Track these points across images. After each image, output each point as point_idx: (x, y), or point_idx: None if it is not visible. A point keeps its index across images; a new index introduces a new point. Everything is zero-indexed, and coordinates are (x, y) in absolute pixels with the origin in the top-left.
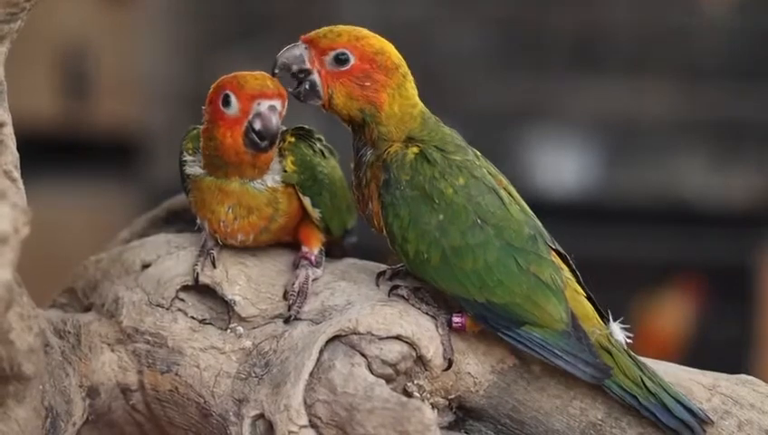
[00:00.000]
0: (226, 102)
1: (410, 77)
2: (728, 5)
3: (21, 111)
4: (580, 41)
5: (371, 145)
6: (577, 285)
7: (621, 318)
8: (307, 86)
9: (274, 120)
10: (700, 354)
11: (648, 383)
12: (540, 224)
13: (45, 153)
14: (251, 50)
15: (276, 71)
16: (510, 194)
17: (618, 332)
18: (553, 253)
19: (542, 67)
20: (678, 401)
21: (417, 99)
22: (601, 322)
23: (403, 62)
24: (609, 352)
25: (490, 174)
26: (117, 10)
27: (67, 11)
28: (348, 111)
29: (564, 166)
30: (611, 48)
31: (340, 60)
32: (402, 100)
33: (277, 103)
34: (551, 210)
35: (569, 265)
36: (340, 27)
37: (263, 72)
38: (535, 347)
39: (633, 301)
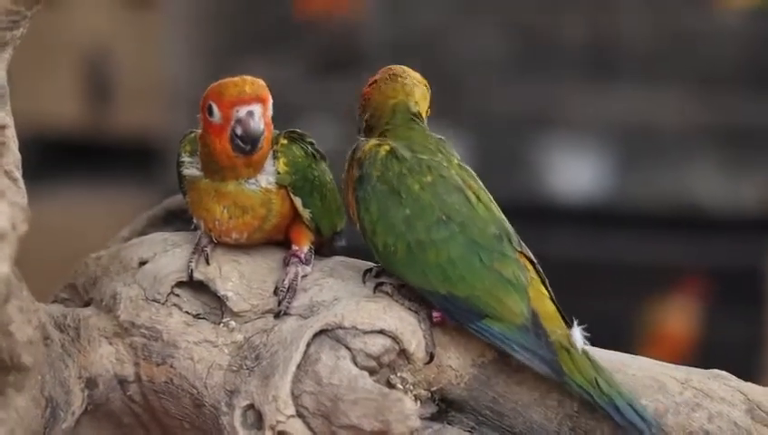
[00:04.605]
0: (210, 112)
1: (401, 80)
2: (742, 12)
3: (44, 114)
4: (595, 47)
5: (365, 133)
6: (542, 286)
7: (584, 325)
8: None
9: (252, 124)
10: (711, 357)
11: (603, 385)
12: (509, 227)
13: (68, 156)
14: (271, 55)
15: None
16: (478, 197)
17: (578, 337)
18: (520, 254)
19: (557, 73)
20: (631, 406)
21: (400, 95)
22: (563, 325)
23: (400, 69)
24: (568, 352)
25: (460, 177)
26: (139, 15)
27: (90, 16)
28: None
29: (578, 171)
30: (626, 54)
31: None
32: (381, 92)
33: (256, 108)
34: (565, 215)
35: (535, 269)
36: None
37: (244, 77)
38: (495, 340)
39: (645, 304)
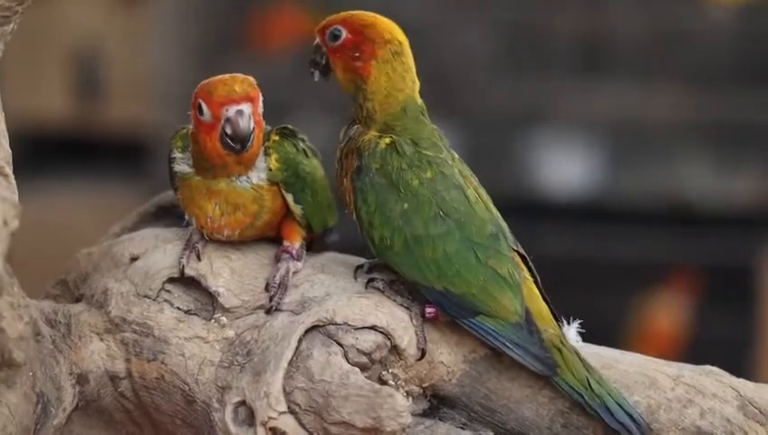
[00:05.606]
0: (200, 110)
1: (404, 60)
2: (733, 9)
3: (34, 111)
4: (586, 44)
5: (361, 122)
6: (534, 286)
7: (580, 321)
8: (323, 62)
9: (242, 124)
10: (701, 354)
11: (594, 385)
12: (505, 226)
13: (58, 153)
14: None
15: (312, 70)
16: (479, 195)
17: (572, 335)
18: (515, 253)
19: (548, 70)
20: (621, 407)
21: (408, 87)
22: (555, 324)
23: (397, 41)
24: (560, 351)
25: (462, 175)
26: (129, 12)
27: (80, 13)
28: (345, 84)
29: (569, 168)
30: (617, 51)
31: (335, 35)
32: (389, 78)
33: (245, 106)
34: (556, 211)
35: (529, 268)
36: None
37: (234, 76)
38: (488, 337)
39: (635, 301)
